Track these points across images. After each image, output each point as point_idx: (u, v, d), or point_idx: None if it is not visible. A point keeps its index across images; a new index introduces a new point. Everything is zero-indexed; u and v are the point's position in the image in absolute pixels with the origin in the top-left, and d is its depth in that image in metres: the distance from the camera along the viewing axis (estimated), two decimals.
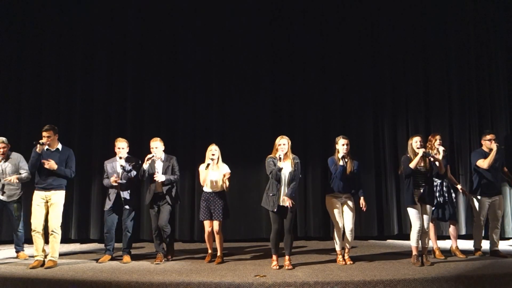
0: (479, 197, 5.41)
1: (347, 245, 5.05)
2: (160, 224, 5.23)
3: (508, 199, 6.93)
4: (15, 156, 5.68)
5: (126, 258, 5.29)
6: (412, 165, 4.90)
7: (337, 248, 5.05)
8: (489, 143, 5.38)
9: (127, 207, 5.33)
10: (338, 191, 5.00)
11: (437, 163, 5.07)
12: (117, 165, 5.35)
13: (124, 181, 5.30)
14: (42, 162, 4.97)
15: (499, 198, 5.45)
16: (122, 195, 5.29)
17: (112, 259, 5.37)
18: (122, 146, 5.36)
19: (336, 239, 5.04)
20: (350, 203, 5.03)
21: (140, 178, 5.38)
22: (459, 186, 5.69)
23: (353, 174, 4.99)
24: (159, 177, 5.22)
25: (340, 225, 4.98)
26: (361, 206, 5.09)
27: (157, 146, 5.34)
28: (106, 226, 5.37)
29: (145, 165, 5.22)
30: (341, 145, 5.01)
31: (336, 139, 5.13)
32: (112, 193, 5.33)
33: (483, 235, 5.54)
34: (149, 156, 5.24)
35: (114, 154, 5.48)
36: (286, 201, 4.73)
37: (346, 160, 4.96)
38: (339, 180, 4.96)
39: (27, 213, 5.33)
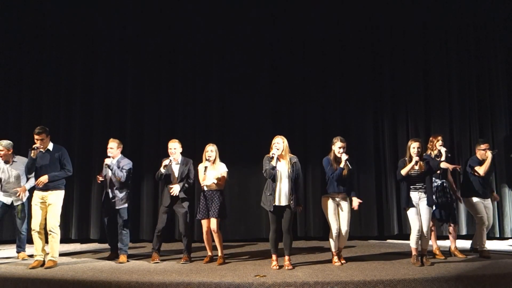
0: (472, 198, 5.41)
1: (341, 245, 5.05)
2: (182, 230, 5.36)
3: (507, 199, 6.94)
4: (21, 160, 5.64)
5: (122, 258, 5.28)
6: (403, 172, 4.92)
7: (333, 249, 5.01)
8: (483, 153, 5.46)
9: (118, 207, 5.31)
10: (333, 191, 4.99)
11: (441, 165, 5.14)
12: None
13: (113, 180, 5.31)
14: (36, 184, 5.03)
15: (489, 202, 5.53)
16: (113, 195, 5.30)
17: (109, 258, 5.41)
18: (110, 146, 5.38)
19: (331, 241, 5.00)
20: (345, 203, 5.01)
21: (157, 179, 5.42)
22: (458, 194, 5.66)
23: (348, 175, 4.98)
24: (175, 190, 5.25)
25: (336, 226, 4.96)
26: (353, 206, 5.07)
27: (175, 147, 5.35)
28: (105, 227, 5.44)
29: (162, 170, 5.24)
30: (338, 148, 4.97)
31: (333, 140, 5.06)
32: (104, 194, 5.39)
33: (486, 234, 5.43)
34: (166, 162, 5.25)
35: None
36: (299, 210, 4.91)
37: (346, 164, 4.91)
38: (336, 181, 4.95)
39: (29, 214, 5.33)
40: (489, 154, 5.40)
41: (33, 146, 4.99)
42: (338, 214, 5.01)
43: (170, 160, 5.29)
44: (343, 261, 5.00)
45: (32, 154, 4.96)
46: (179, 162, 5.37)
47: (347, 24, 7.34)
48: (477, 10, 7.34)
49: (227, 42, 7.35)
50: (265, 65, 7.32)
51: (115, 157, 5.36)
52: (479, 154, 5.51)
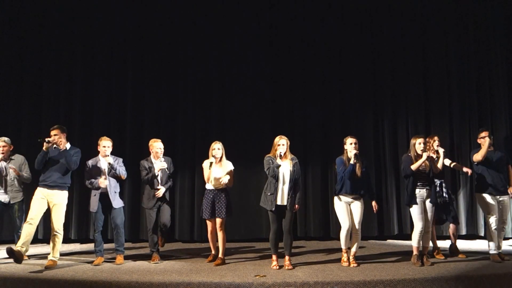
0: (484, 195, 5.22)
1: (354, 247, 4.95)
2: (164, 221, 5.40)
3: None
4: (19, 158, 5.68)
5: (120, 258, 5.23)
6: (414, 167, 4.89)
7: (343, 246, 4.96)
8: (483, 140, 5.29)
9: (115, 206, 5.27)
10: (346, 192, 4.95)
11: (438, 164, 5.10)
12: (102, 163, 5.28)
13: (112, 179, 5.28)
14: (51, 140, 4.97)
15: (506, 199, 5.27)
16: (109, 194, 5.22)
17: (105, 260, 5.33)
18: (107, 145, 5.28)
19: (342, 239, 4.94)
20: (358, 204, 4.96)
21: (147, 182, 5.38)
22: (465, 169, 5.60)
23: (362, 174, 4.94)
24: (161, 191, 5.32)
25: (347, 226, 4.91)
26: (374, 208, 5.06)
27: (161, 147, 5.41)
28: (96, 228, 5.25)
29: (157, 172, 5.31)
30: (349, 144, 4.97)
31: (344, 139, 5.09)
32: (97, 193, 5.26)
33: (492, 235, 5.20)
34: (164, 165, 5.32)
35: (115, 155, 5.46)
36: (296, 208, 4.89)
37: (356, 159, 4.90)
38: (348, 180, 4.91)
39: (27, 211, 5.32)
40: (486, 139, 5.23)
41: (45, 138, 4.95)
42: (351, 214, 4.97)
43: (166, 166, 5.35)
44: (353, 264, 4.86)
45: (44, 147, 4.94)
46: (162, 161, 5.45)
47: (347, 24, 7.34)
48: (477, 9, 7.33)
49: (228, 41, 7.34)
50: (266, 65, 7.31)
51: (108, 156, 5.28)
52: (480, 143, 5.34)
